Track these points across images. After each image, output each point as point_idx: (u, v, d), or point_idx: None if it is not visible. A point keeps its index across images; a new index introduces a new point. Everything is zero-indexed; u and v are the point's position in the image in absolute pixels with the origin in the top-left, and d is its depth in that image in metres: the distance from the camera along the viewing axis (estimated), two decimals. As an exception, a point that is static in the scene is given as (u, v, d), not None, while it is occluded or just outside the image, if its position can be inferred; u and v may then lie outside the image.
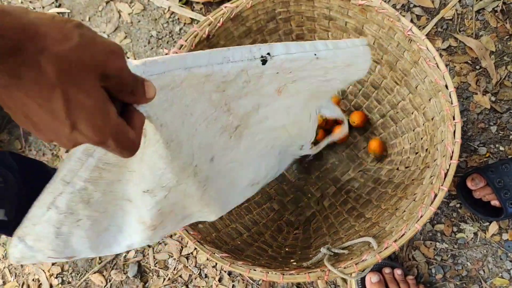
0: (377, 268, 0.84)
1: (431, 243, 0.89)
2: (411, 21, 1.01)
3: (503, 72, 0.94)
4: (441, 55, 0.99)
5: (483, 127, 0.93)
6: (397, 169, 0.83)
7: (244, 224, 0.84)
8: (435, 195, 0.63)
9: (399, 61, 0.78)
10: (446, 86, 0.68)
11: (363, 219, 0.78)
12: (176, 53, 0.76)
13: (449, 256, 0.87)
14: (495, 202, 0.83)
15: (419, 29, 0.98)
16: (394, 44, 0.77)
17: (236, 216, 0.85)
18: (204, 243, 0.68)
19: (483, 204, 0.85)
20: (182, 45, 0.78)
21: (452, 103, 0.67)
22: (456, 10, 1.00)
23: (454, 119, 0.66)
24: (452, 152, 0.64)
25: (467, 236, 0.88)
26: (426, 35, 1.00)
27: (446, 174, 0.64)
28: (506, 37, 0.97)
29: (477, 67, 0.96)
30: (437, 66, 0.69)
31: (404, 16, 1.02)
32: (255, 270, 0.64)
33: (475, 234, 0.88)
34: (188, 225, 0.68)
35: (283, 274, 0.63)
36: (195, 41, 0.78)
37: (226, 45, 0.84)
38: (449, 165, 0.64)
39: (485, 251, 0.86)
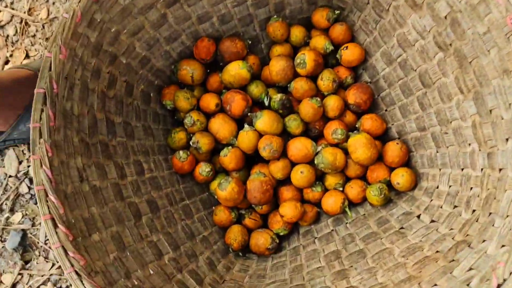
0: None
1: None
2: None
3: None
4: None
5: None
6: (418, 217, 0.60)
7: (172, 237, 0.62)
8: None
9: (478, 59, 0.53)
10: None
11: (345, 285, 0.56)
12: None
13: None
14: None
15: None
16: (481, 29, 0.52)
17: (164, 222, 0.62)
18: (87, 275, 0.46)
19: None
20: None
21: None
22: None
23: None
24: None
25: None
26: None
27: (499, 287, 0.41)
28: None
29: None
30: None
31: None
32: None
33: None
34: (74, 238, 0.47)
35: None
36: None
37: None
38: (510, 275, 0.41)
39: None
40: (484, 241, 0.49)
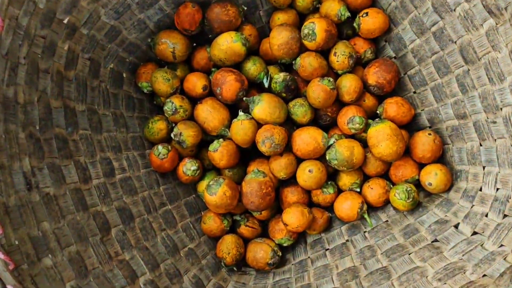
0: None
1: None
2: None
3: None
4: None
5: None
6: (456, 227, 0.50)
7: (149, 253, 0.52)
8: None
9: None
10: None
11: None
12: None
13: None
14: None
15: None
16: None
17: (139, 234, 0.52)
18: None
19: None
20: None
21: None
22: None
23: None
24: None
25: None
26: None
27: None
28: None
29: None
30: None
31: None
32: None
33: None
34: (16, 266, 0.38)
35: None
36: None
37: None
38: None
39: None
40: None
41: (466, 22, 0.51)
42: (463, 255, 0.49)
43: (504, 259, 0.45)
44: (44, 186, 0.46)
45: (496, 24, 0.48)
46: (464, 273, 0.47)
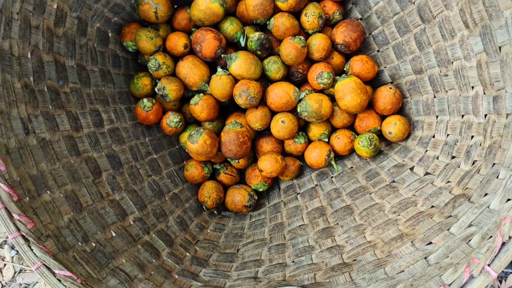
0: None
1: None
2: None
3: None
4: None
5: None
6: (411, 169, 0.57)
7: (137, 195, 0.58)
8: (471, 277, 0.38)
9: (487, -13, 0.46)
10: None
11: (330, 243, 0.53)
12: None
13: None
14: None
15: None
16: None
17: (128, 178, 0.57)
18: (36, 240, 0.42)
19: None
20: None
21: None
22: None
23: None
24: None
25: None
26: None
27: (504, 245, 0.38)
28: None
29: None
30: None
31: None
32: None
33: None
34: (19, 199, 0.42)
35: None
36: None
37: None
38: (517, 232, 0.38)
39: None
40: (486, 194, 0.46)
41: None
42: (415, 192, 0.56)
43: (450, 192, 0.52)
44: (40, 131, 0.51)
45: (447, -15, 0.54)
46: (416, 205, 0.54)
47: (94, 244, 0.49)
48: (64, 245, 0.46)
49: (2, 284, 0.69)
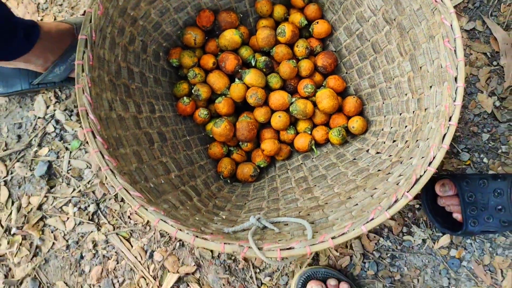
0: (322, 277, 0.78)
1: (374, 237, 0.84)
2: (444, -16, 0.87)
3: (520, 77, 0.85)
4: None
5: (475, 131, 0.85)
6: (367, 151, 0.75)
7: (176, 161, 0.74)
8: (396, 200, 0.55)
9: (413, 29, 0.67)
10: (456, 79, 0.58)
11: (310, 196, 0.70)
12: None
13: (388, 255, 0.83)
14: (457, 216, 0.78)
15: (449, -3, 0.85)
16: (415, 7, 0.65)
17: (170, 149, 0.75)
18: (118, 173, 0.58)
19: (444, 214, 0.80)
20: None
21: (455, 101, 0.57)
22: (498, -12, 0.87)
23: (450, 121, 0.56)
24: (433, 158, 0.56)
25: (414, 240, 0.83)
26: (454, 7, 0.87)
27: (417, 181, 0.55)
28: (540, 38, 0.86)
29: (494, 63, 0.86)
30: (455, 51, 0.58)
31: (438, -25, 0.88)
32: (165, 222, 0.55)
33: (424, 241, 0.83)
34: (108, 148, 0.58)
35: (196, 236, 0.55)
36: None
37: None
38: (424, 172, 0.56)
39: (427, 261, 0.83)
40: (411, 158, 0.64)
41: (374, 28, 0.76)
42: (369, 164, 0.74)
43: (390, 161, 0.70)
44: (118, 110, 0.68)
45: (390, 28, 0.75)
46: (368, 171, 0.71)
47: (151, 185, 0.66)
48: (134, 180, 0.63)
49: (64, 233, 0.85)
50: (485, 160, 0.84)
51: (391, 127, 0.74)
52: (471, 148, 0.85)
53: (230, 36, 0.80)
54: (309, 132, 0.82)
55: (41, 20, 0.89)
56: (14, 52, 0.71)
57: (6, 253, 0.82)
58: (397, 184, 0.60)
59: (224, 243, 0.55)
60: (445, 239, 0.83)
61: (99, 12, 0.63)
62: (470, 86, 0.86)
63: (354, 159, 0.75)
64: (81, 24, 0.82)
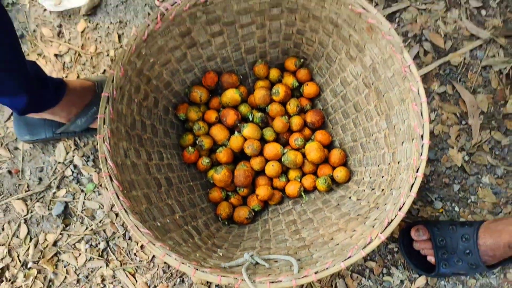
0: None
1: (357, 277, 0.90)
2: (417, 54, 0.99)
3: (486, 135, 0.94)
4: (433, 98, 0.98)
5: (447, 182, 0.93)
6: (349, 198, 0.83)
7: (181, 203, 0.82)
8: (371, 241, 0.63)
9: (388, 93, 0.76)
10: (422, 137, 0.67)
11: (298, 237, 0.77)
12: (167, 9, 0.72)
13: (370, 294, 0.89)
14: (430, 258, 0.85)
15: (422, 66, 0.96)
16: (389, 74, 0.75)
17: (176, 193, 0.83)
18: (131, 212, 0.66)
19: (419, 257, 0.87)
20: (175, 2, 0.74)
21: (421, 155, 0.66)
22: (464, 58, 0.99)
23: (417, 172, 0.65)
24: (403, 204, 0.64)
25: (393, 281, 0.89)
26: (426, 74, 0.98)
27: (389, 224, 0.63)
28: (502, 102, 0.96)
29: (463, 122, 0.96)
30: (421, 113, 0.68)
31: (412, 46, 1.00)
32: (170, 256, 0.62)
33: (402, 281, 0.89)
34: (122, 190, 0.66)
35: (197, 269, 0.62)
36: (190, 2, 0.74)
37: (222, 17, 0.81)
38: (395, 216, 0.63)
39: (405, 301, 0.88)
40: (385, 204, 0.72)
41: (356, 90, 0.85)
42: (350, 209, 0.81)
43: (368, 207, 0.77)
44: (132, 157, 0.77)
45: (369, 91, 0.85)
46: (349, 215, 0.79)
47: (158, 223, 0.73)
48: (143, 219, 0.70)
49: (76, 268, 0.91)
50: (456, 208, 0.92)
51: (370, 177, 0.82)
52: (444, 198, 0.93)
53: (231, 95, 0.90)
54: (299, 180, 0.90)
55: (66, 77, 1.00)
56: (44, 105, 0.81)
57: (22, 286, 0.88)
58: (373, 226, 0.67)
59: (221, 276, 0.62)
60: (421, 280, 0.89)
61: (120, 74, 0.72)
62: (442, 142, 0.95)
63: (338, 204, 0.83)
64: (101, 81, 0.92)
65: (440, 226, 0.84)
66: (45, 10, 1.03)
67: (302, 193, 0.89)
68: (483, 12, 1.01)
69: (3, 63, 0.66)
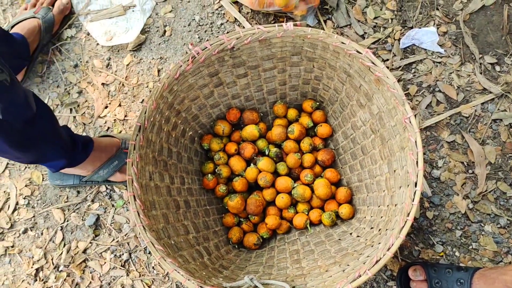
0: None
1: (356, 311, 0.93)
2: (430, 103, 1.03)
3: (491, 185, 0.96)
4: (442, 146, 1.01)
5: (449, 227, 0.95)
6: (350, 234, 0.87)
7: (196, 225, 0.89)
8: (359, 276, 0.67)
9: (390, 140, 0.81)
10: (415, 184, 0.71)
11: (298, 266, 0.82)
12: (198, 53, 0.81)
13: (367, 329, 0.91)
14: (426, 299, 0.87)
15: (434, 114, 1.00)
16: (392, 123, 0.79)
17: (192, 215, 0.90)
18: (148, 230, 0.74)
19: (416, 297, 0.89)
20: (206, 47, 0.82)
21: (413, 201, 0.70)
22: (475, 110, 1.02)
23: (408, 216, 0.69)
24: (392, 245, 0.68)
25: (390, 318, 0.91)
26: (437, 123, 1.02)
27: (377, 262, 0.67)
28: (510, 154, 0.98)
29: (470, 171, 0.98)
30: (417, 162, 0.72)
31: (425, 96, 1.04)
32: (178, 272, 0.69)
33: (399, 320, 0.91)
34: (144, 209, 0.74)
35: (200, 286, 0.68)
36: (219, 48, 0.82)
37: (247, 61, 0.89)
38: (383, 256, 0.67)
39: (401, 338, 0.90)
40: (379, 243, 0.76)
41: (364, 135, 0.91)
42: (349, 244, 0.85)
43: (365, 244, 0.81)
44: (156, 180, 0.85)
45: (375, 137, 0.90)
46: (347, 250, 0.83)
47: (172, 242, 0.81)
48: (159, 236, 0.77)
49: (100, 274, 1.00)
50: (457, 253, 0.93)
51: (371, 216, 0.86)
52: (445, 242, 0.95)
53: (250, 130, 0.98)
54: (306, 213, 0.95)
55: (109, 103, 1.11)
56: (74, 162, 0.91)
57: (52, 286, 0.98)
58: (364, 263, 0.71)
59: (221, 294, 0.68)
60: (418, 320, 0.90)
61: (152, 107, 0.81)
62: (448, 188, 0.98)
63: (339, 239, 0.87)
64: (127, 139, 1.02)
65: (437, 268, 0.86)
66: (97, 44, 1.15)
67: (308, 226, 0.94)
68: (497, 68, 1.04)
69: (44, 135, 0.76)
